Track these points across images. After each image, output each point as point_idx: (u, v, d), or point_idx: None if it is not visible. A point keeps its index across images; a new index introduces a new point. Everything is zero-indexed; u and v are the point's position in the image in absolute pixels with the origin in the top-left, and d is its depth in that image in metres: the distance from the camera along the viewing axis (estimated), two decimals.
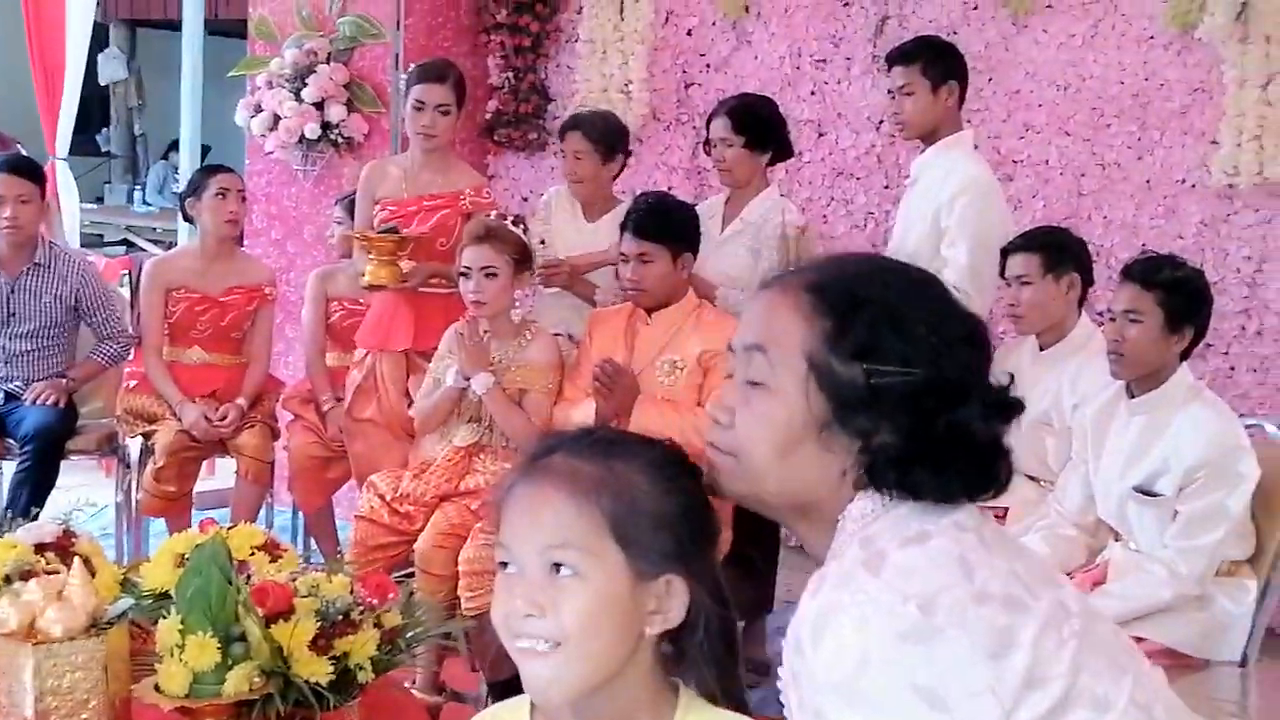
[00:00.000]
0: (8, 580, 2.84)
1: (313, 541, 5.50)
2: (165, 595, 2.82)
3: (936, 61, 4.35)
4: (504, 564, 1.61)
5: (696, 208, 4.70)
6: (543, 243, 4.97)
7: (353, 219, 5.19)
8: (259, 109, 6.46)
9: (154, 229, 12.89)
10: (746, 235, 4.72)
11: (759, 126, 4.77)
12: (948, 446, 1.54)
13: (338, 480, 5.35)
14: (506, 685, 4.07)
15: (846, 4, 5.87)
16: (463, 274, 4.32)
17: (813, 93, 5.96)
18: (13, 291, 5.23)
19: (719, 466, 1.66)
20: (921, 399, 1.53)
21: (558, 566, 1.56)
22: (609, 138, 5.01)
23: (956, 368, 1.56)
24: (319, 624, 2.63)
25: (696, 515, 1.65)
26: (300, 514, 5.60)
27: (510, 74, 6.59)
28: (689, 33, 6.26)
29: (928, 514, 1.55)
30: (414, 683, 4.10)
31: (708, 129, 4.88)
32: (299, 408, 5.43)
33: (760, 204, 4.76)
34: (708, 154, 4.97)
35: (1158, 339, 3.48)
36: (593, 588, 1.55)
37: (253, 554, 2.98)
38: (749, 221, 4.74)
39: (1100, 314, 4.55)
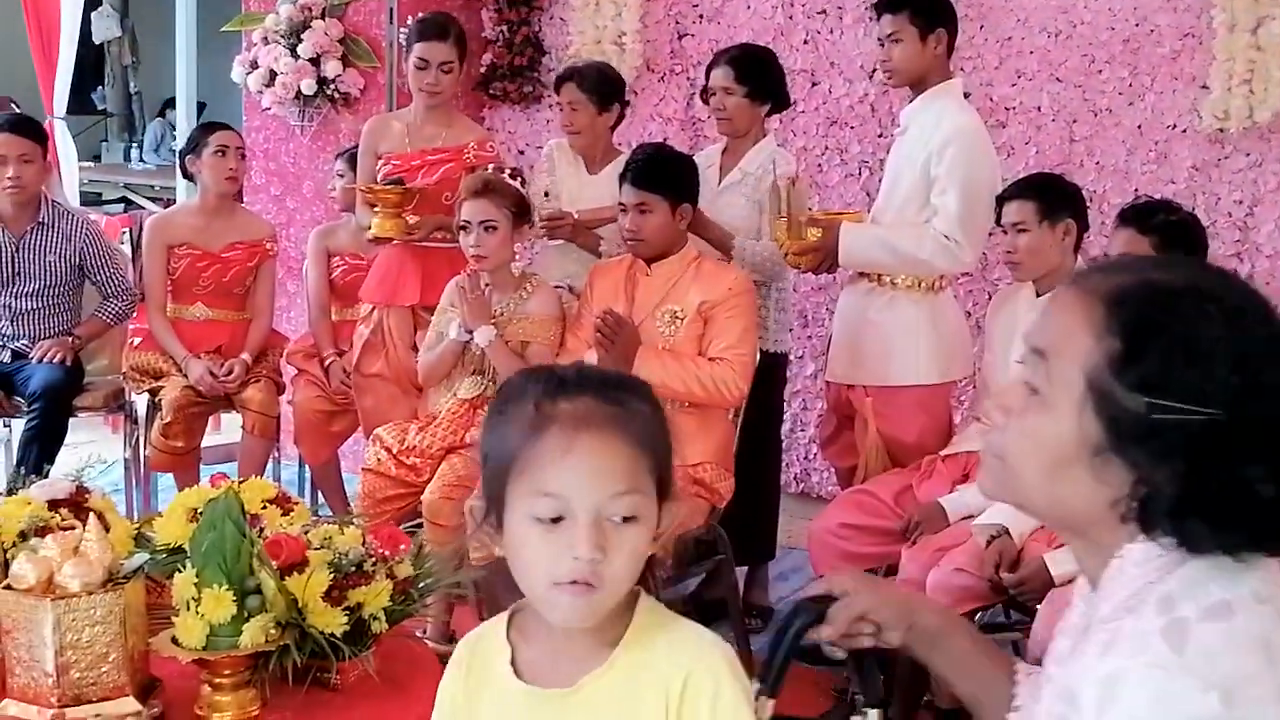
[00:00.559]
0: (23, 537, 2.90)
1: (320, 495, 5.56)
2: (178, 550, 2.87)
3: (925, 9, 4.36)
4: (553, 518, 1.57)
5: (693, 157, 4.74)
6: (547, 194, 4.98)
7: (355, 173, 5.22)
8: (255, 65, 6.47)
9: (152, 186, 12.87)
10: (746, 185, 4.75)
11: (761, 76, 4.79)
12: (1229, 501, 1.40)
13: (342, 434, 5.41)
14: None
15: None
16: (462, 228, 4.36)
17: (805, 42, 5.98)
18: (17, 250, 5.27)
19: (986, 467, 1.62)
20: (1207, 445, 1.39)
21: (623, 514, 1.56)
22: (603, 87, 5.02)
23: (1259, 417, 1.39)
24: (332, 576, 2.69)
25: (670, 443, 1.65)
26: (307, 467, 5.66)
27: (504, 27, 6.59)
28: None
29: (1224, 575, 1.42)
30: (425, 632, 4.17)
31: (707, 77, 4.89)
32: (303, 362, 5.48)
33: (759, 154, 4.78)
34: (705, 102, 4.98)
35: None
36: (645, 528, 1.59)
37: (264, 507, 3.03)
38: (748, 172, 4.76)
39: (1094, 259, 4.60)
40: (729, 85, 4.75)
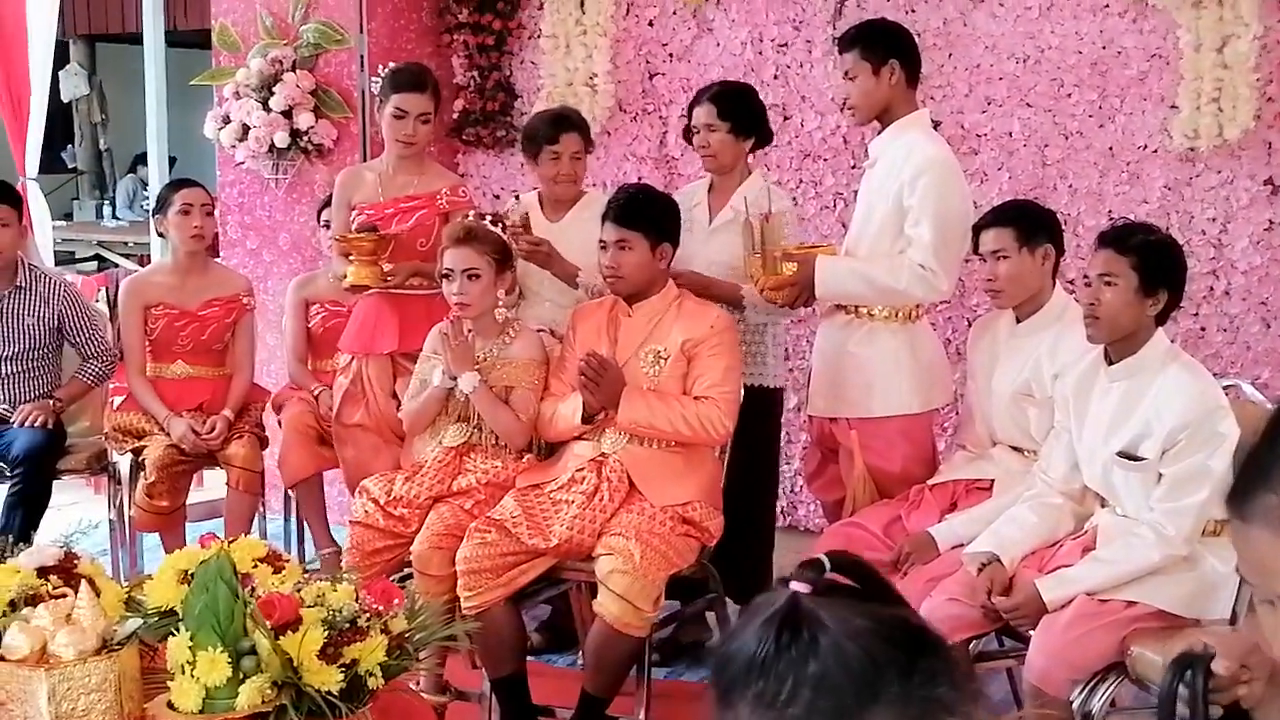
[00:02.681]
0: (13, 606, 2.88)
1: (309, 548, 5.53)
2: (170, 612, 2.87)
3: (874, 43, 4.38)
4: None
5: (675, 195, 4.74)
6: (527, 219, 4.90)
7: None
8: (227, 120, 6.48)
9: (125, 243, 12.87)
10: (739, 223, 4.74)
11: (743, 112, 4.80)
12: None
13: (329, 459, 5.33)
14: (508, 681, 4.15)
15: None
16: (445, 276, 4.36)
17: (776, 77, 6.01)
18: None
19: None
20: None
21: None
22: (590, 136, 5.04)
23: None
24: (327, 633, 2.68)
25: None
26: (293, 519, 5.63)
27: (475, 73, 6.62)
28: (650, 23, 6.30)
29: None
30: (419, 684, 4.15)
31: (690, 116, 4.90)
32: (290, 394, 5.50)
33: (748, 191, 4.78)
34: (688, 141, 4.99)
35: (1132, 301, 3.55)
36: None
37: (255, 566, 3.02)
38: (739, 209, 4.76)
39: (1071, 283, 4.63)
40: (712, 122, 4.76)
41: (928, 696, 1.17)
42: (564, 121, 4.95)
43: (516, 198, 4.97)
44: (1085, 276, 3.71)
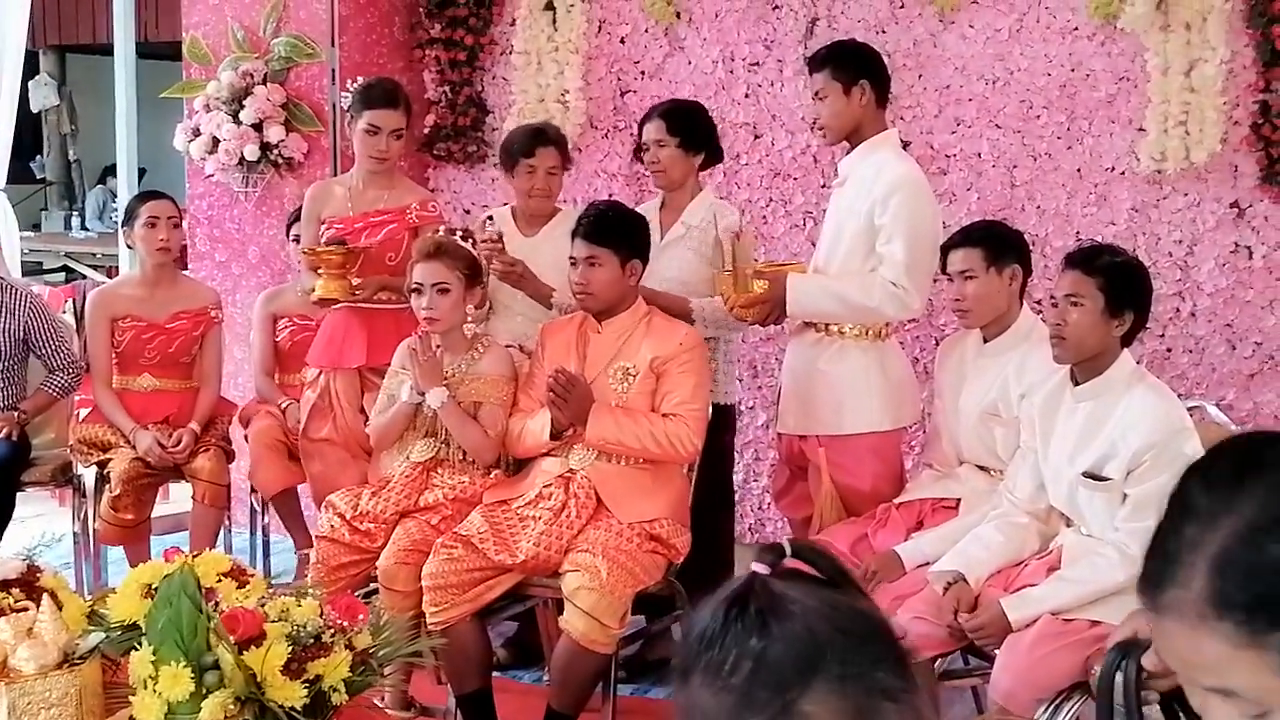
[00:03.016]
0: None
1: (275, 561, 5.51)
2: (133, 626, 2.85)
3: (844, 63, 4.40)
4: None
5: None
6: (501, 238, 4.89)
7: None
8: (197, 132, 6.46)
9: (94, 255, 12.81)
10: (690, 239, 4.76)
11: (692, 128, 4.82)
12: None
13: (299, 474, 5.32)
14: (474, 697, 4.14)
15: (776, 7, 5.93)
16: (415, 290, 4.36)
17: (747, 95, 6.02)
18: None
19: None
20: None
21: None
22: (568, 152, 5.05)
23: None
24: (291, 648, 2.67)
25: None
26: (259, 534, 5.62)
27: (447, 88, 6.61)
28: (622, 40, 6.31)
29: None
30: (384, 700, 4.14)
31: (639, 133, 4.92)
32: (256, 408, 5.48)
33: (700, 206, 4.80)
34: (638, 160, 5.01)
35: (1098, 322, 3.58)
36: None
37: (219, 580, 3.00)
38: (691, 225, 4.78)
39: (1038, 303, 4.65)
40: (661, 138, 4.78)
41: (870, 681, 1.20)
42: (541, 135, 4.95)
43: (490, 219, 4.94)
44: (1052, 297, 3.73)
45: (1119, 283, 3.60)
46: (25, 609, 2.80)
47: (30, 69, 12.36)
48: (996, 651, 3.57)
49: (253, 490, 5.52)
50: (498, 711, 4.21)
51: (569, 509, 4.15)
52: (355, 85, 5.07)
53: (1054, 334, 3.64)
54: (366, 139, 4.94)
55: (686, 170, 4.83)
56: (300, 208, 5.32)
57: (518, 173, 4.89)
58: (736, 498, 5.57)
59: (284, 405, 5.40)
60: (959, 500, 4.14)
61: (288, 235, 5.76)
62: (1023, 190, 5.52)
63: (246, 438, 5.46)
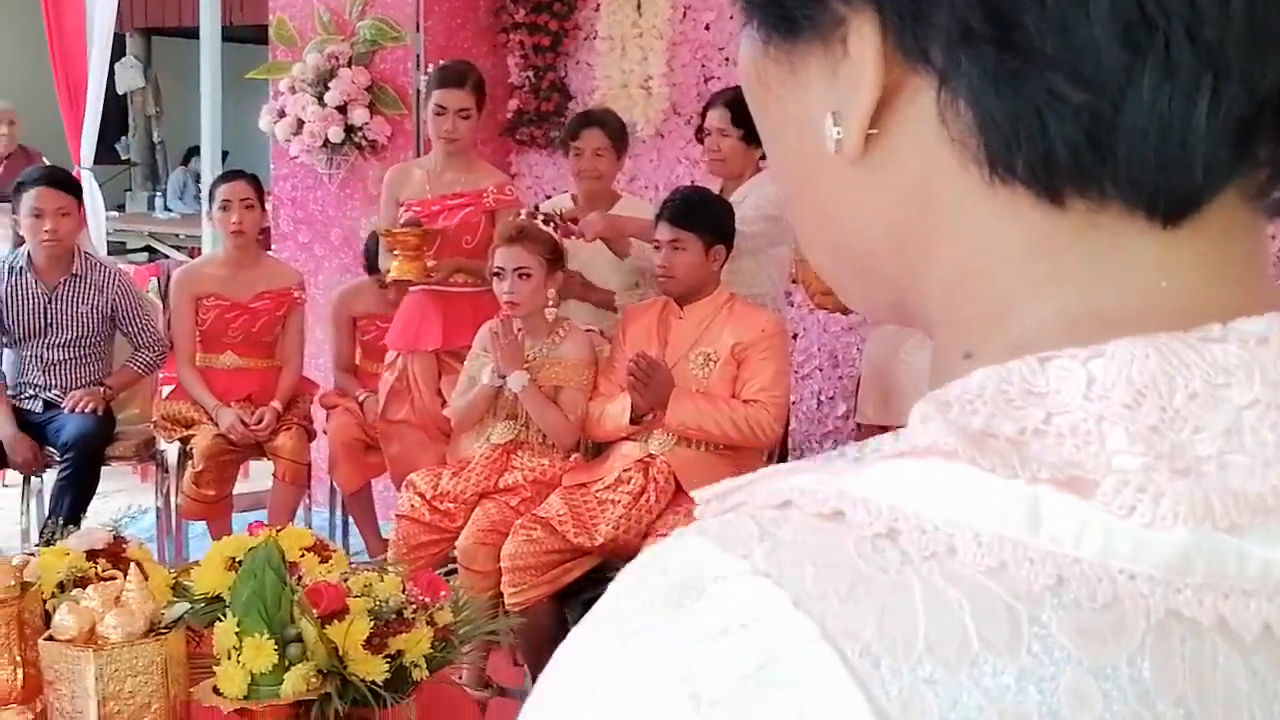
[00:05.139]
0: (61, 588, 2.90)
1: (353, 540, 5.55)
2: (217, 599, 2.87)
3: None
4: None
5: None
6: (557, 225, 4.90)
7: None
8: (282, 114, 6.50)
9: (176, 235, 12.92)
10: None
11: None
12: None
13: (377, 466, 5.38)
14: None
15: None
16: (496, 274, 4.37)
17: None
18: (50, 301, 5.29)
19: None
20: None
21: None
22: (622, 135, 5.04)
23: None
24: (373, 623, 2.68)
25: None
26: (337, 512, 5.66)
27: (530, 73, 6.62)
28: (707, 27, 6.29)
29: None
30: (461, 677, 4.15)
31: (703, 117, 4.90)
32: (336, 399, 5.52)
33: (750, 192, 4.74)
34: (700, 142, 4.99)
35: None
36: None
37: (303, 555, 3.02)
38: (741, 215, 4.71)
39: None
40: (724, 127, 4.75)
41: None
42: (587, 118, 5.05)
43: (536, 209, 4.93)
44: None
45: None
46: (113, 578, 2.82)
47: (117, 51, 12.52)
48: None
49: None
50: None
51: (648, 493, 4.15)
52: (431, 68, 5.11)
53: None
54: (435, 119, 4.98)
55: (746, 162, 4.80)
56: None
57: (570, 156, 4.95)
58: None
59: (362, 398, 5.42)
60: None
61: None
62: None
63: (325, 430, 5.49)
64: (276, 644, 2.53)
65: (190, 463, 5.20)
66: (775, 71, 0.61)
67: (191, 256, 10.03)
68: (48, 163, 6.95)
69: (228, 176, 5.46)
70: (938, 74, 0.52)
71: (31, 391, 5.33)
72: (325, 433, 5.48)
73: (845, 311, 4.59)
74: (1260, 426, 0.48)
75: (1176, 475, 0.46)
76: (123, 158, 15.58)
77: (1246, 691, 0.45)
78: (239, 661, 2.53)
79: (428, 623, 2.78)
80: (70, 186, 5.37)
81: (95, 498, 5.23)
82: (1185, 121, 0.49)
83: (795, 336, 5.58)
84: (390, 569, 2.99)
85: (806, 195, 0.63)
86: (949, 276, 0.56)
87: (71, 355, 5.35)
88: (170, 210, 14.42)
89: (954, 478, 0.47)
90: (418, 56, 6.41)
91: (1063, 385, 0.49)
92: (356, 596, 2.76)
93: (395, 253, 4.93)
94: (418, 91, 6.34)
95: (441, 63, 5.24)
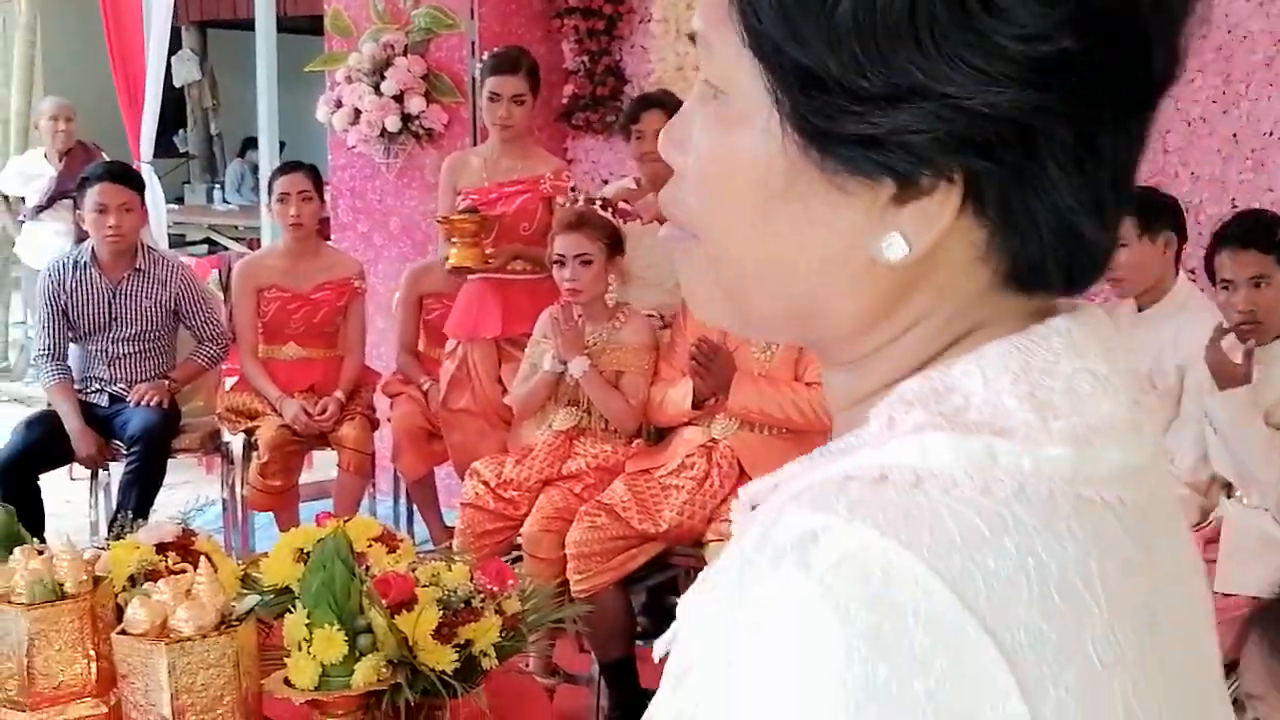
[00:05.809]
0: (132, 581, 2.91)
1: (417, 529, 5.57)
2: (286, 590, 2.88)
3: None
4: None
5: None
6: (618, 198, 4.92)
7: None
8: (339, 104, 6.52)
9: (235, 227, 13.00)
10: None
11: None
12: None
13: (440, 454, 5.39)
14: (617, 664, 4.14)
15: None
16: (557, 262, 4.36)
17: None
18: (114, 296, 5.33)
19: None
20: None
21: None
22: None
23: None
24: (442, 613, 2.67)
25: None
26: (402, 501, 5.68)
27: (585, 57, 6.61)
28: None
29: None
30: (528, 666, 4.15)
31: None
32: (400, 387, 5.52)
33: None
34: None
35: None
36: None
37: (370, 546, 3.02)
38: None
39: (1192, 272, 4.51)
40: None
41: None
42: (646, 100, 5.03)
43: (583, 196, 4.93)
44: (1225, 281, 3.58)
45: None
46: (183, 571, 2.83)
47: (173, 45, 12.59)
48: None
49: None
50: (641, 679, 4.20)
51: (712, 478, 4.13)
52: (486, 55, 5.10)
53: (1247, 320, 3.52)
54: (489, 106, 5.00)
55: None
56: None
57: (631, 141, 4.95)
58: None
59: (425, 386, 5.43)
60: None
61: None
62: (1176, 156, 5.37)
63: (388, 418, 5.51)
64: (346, 635, 2.53)
65: (255, 454, 5.23)
66: (812, 178, 0.76)
67: (251, 248, 10.09)
68: (107, 158, 7.01)
69: (285, 169, 5.48)
70: (990, 222, 0.76)
71: (97, 386, 5.38)
72: (389, 421, 5.49)
73: None
74: (1082, 383, 0.76)
75: (1053, 418, 0.74)
76: (180, 151, 15.68)
77: (1120, 532, 0.74)
78: (309, 653, 2.53)
79: (496, 611, 2.77)
80: (133, 181, 5.40)
81: (162, 490, 5.26)
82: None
83: None
84: (457, 558, 2.99)
85: (802, 276, 0.80)
86: (907, 327, 0.80)
87: (136, 349, 5.39)
88: (228, 202, 14.51)
89: (944, 442, 0.72)
90: (472, 44, 6.41)
91: (969, 380, 0.76)
92: (425, 586, 2.75)
93: (453, 240, 4.94)
94: (473, 79, 6.33)
95: (495, 50, 5.23)
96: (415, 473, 5.42)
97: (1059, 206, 0.75)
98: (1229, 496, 3.63)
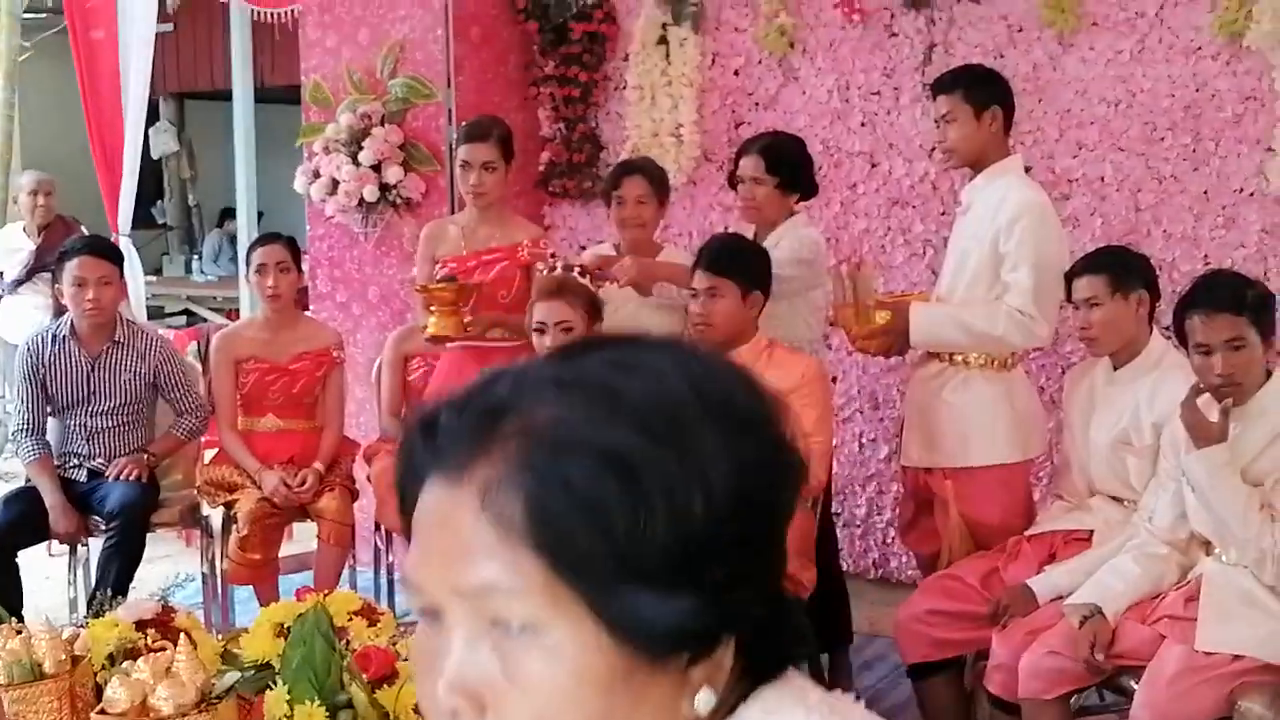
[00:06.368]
0: (111, 659, 2.90)
1: (398, 601, 5.53)
2: (266, 666, 2.87)
3: (977, 88, 4.35)
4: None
5: None
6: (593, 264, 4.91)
7: None
8: (317, 174, 6.54)
9: (214, 298, 13.03)
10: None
11: (791, 168, 4.78)
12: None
13: None
14: None
15: (893, 35, 5.88)
16: (537, 330, 4.37)
17: (863, 124, 5.98)
18: (93, 370, 5.31)
19: None
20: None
21: None
22: (664, 183, 5.05)
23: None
24: None
25: None
26: (383, 572, 5.65)
27: (561, 124, 6.65)
28: (736, 73, 6.30)
29: None
30: None
31: (735, 163, 4.90)
32: (380, 446, 5.50)
33: (785, 230, 4.75)
34: (732, 188, 4.98)
35: (1260, 358, 3.53)
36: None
37: (351, 619, 3.02)
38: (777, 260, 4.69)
39: (1166, 329, 4.54)
40: (758, 175, 4.74)
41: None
42: (627, 166, 5.07)
43: (560, 261, 4.93)
44: (1200, 344, 3.59)
45: (1265, 314, 3.55)
46: (163, 649, 2.83)
47: (151, 116, 12.63)
48: (1135, 685, 3.49)
49: (377, 528, 5.56)
50: None
51: None
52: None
53: (1225, 384, 3.52)
54: (462, 173, 5.05)
55: (780, 209, 4.79)
56: None
57: (612, 206, 4.96)
58: (860, 532, 5.50)
59: None
60: (1091, 532, 4.06)
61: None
62: (1148, 214, 5.42)
63: (369, 477, 5.49)
64: (327, 711, 2.53)
65: (235, 527, 5.20)
66: (640, 671, 0.98)
67: (230, 319, 10.09)
68: (86, 232, 7.01)
69: (263, 240, 5.49)
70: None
71: (76, 461, 5.35)
72: (369, 479, 5.46)
73: (887, 354, 4.56)
74: None
75: None
76: (159, 222, 15.71)
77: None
78: None
79: None
80: (112, 255, 5.40)
81: (141, 564, 5.23)
82: None
83: (835, 379, 5.55)
84: None
85: None
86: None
87: (115, 423, 5.37)
88: (205, 274, 14.53)
89: None
90: (449, 112, 6.45)
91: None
92: (406, 660, 2.75)
93: (432, 309, 4.95)
94: (450, 148, 6.37)
95: (468, 119, 5.28)
96: (398, 525, 5.38)
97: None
98: (1208, 554, 3.64)
